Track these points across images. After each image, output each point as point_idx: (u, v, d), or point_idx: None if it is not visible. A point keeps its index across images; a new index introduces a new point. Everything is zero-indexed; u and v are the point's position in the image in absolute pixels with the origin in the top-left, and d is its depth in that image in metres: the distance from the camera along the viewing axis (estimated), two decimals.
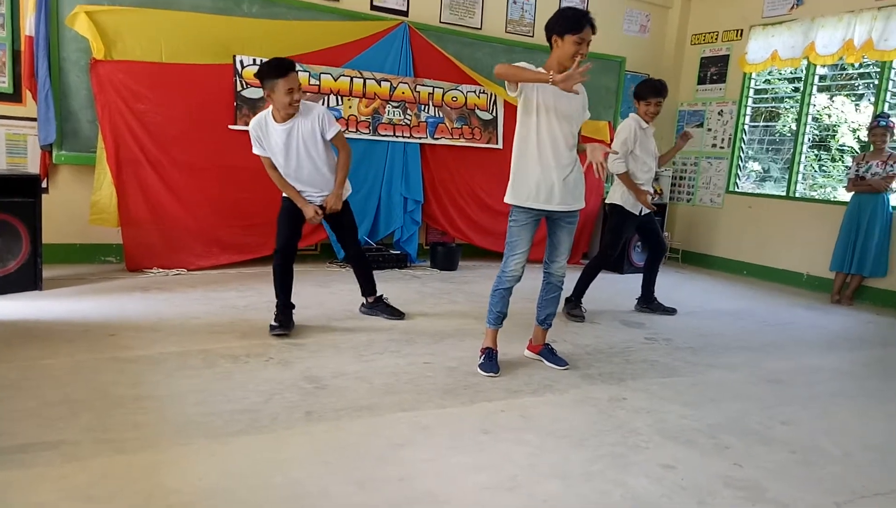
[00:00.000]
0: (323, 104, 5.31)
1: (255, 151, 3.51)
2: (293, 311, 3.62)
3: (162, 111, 4.74)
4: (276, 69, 3.30)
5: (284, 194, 3.59)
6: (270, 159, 3.51)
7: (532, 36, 6.53)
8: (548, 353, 3.32)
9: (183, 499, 1.85)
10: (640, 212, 4.43)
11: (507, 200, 3.11)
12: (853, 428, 2.76)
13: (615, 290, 5.35)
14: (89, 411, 2.38)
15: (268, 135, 3.46)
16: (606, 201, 4.55)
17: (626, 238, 4.56)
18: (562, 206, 3.08)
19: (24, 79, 4.55)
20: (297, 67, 5.04)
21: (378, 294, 3.97)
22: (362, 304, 4.02)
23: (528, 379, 3.07)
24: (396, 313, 3.93)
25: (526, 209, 3.06)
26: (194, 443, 2.19)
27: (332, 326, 3.76)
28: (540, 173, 3.02)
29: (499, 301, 3.17)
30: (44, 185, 4.64)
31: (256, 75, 3.41)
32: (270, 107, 3.46)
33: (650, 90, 4.25)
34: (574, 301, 4.36)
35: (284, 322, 3.50)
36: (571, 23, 2.92)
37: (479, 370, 3.10)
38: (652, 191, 4.47)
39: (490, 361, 3.12)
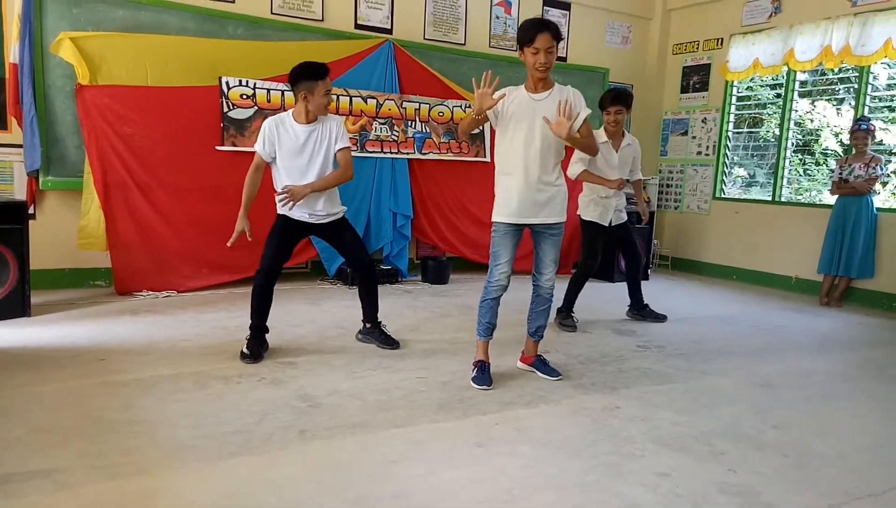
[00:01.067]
0: None
1: (258, 147, 3.42)
2: (267, 335, 3.51)
3: (148, 134, 4.74)
4: (315, 72, 3.35)
5: (280, 212, 3.50)
6: (262, 160, 3.42)
7: (515, 50, 6.56)
8: (540, 364, 3.33)
9: None
10: (610, 223, 4.43)
11: (493, 216, 3.16)
12: (846, 430, 2.78)
13: (606, 298, 5.37)
14: (81, 437, 2.36)
15: (282, 134, 3.39)
16: (578, 214, 4.48)
17: (600, 249, 4.49)
18: (541, 219, 3.12)
19: (8, 106, 4.54)
20: (284, 87, 5.05)
21: (378, 321, 3.79)
22: (359, 331, 3.82)
23: (522, 391, 3.07)
24: (391, 342, 3.70)
25: (507, 223, 3.12)
26: (187, 466, 2.18)
27: (325, 343, 3.75)
28: (518, 188, 3.07)
29: (487, 312, 3.19)
30: (31, 211, 4.62)
31: (292, 77, 3.38)
32: (292, 110, 3.45)
33: (607, 99, 4.31)
34: (565, 312, 4.37)
35: (255, 350, 3.38)
36: (526, 34, 3.00)
37: (472, 383, 3.10)
38: (615, 196, 4.39)
39: (483, 374, 3.13)
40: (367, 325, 3.77)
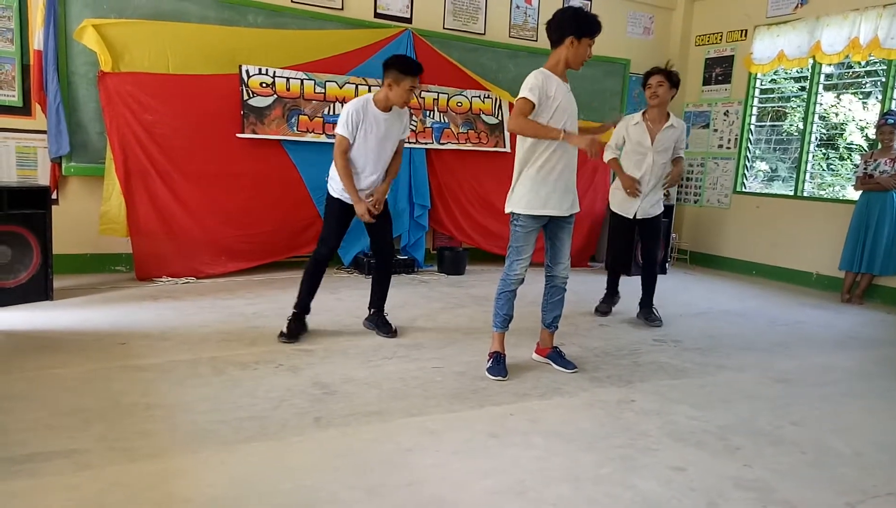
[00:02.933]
0: (328, 112, 5.35)
1: (341, 130, 3.43)
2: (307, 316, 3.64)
3: (169, 122, 4.79)
4: (409, 67, 3.42)
5: (333, 195, 3.57)
6: (348, 142, 3.44)
7: (536, 40, 6.54)
8: (556, 356, 3.32)
9: (193, 507, 1.86)
10: (634, 216, 4.30)
11: (516, 209, 3.10)
12: (864, 428, 2.74)
13: (623, 291, 5.33)
14: (101, 420, 2.40)
15: (366, 119, 3.46)
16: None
17: (620, 240, 4.47)
18: (566, 211, 3.14)
19: (33, 92, 4.60)
20: (303, 76, 5.09)
21: (383, 309, 3.83)
22: (366, 318, 3.85)
23: (536, 382, 3.07)
24: (389, 330, 3.73)
25: (536, 216, 3.09)
26: (204, 451, 2.21)
27: (341, 332, 3.77)
28: (559, 180, 3.06)
29: (504, 304, 3.19)
30: (54, 196, 4.69)
31: (388, 62, 3.45)
32: (371, 94, 3.52)
33: (649, 73, 4.23)
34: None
35: (294, 331, 3.53)
36: (591, 27, 2.97)
37: (487, 373, 3.10)
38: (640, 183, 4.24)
39: (498, 365, 3.13)
40: (372, 311, 3.83)
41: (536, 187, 3.06)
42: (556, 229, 3.19)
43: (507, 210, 3.16)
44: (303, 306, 3.60)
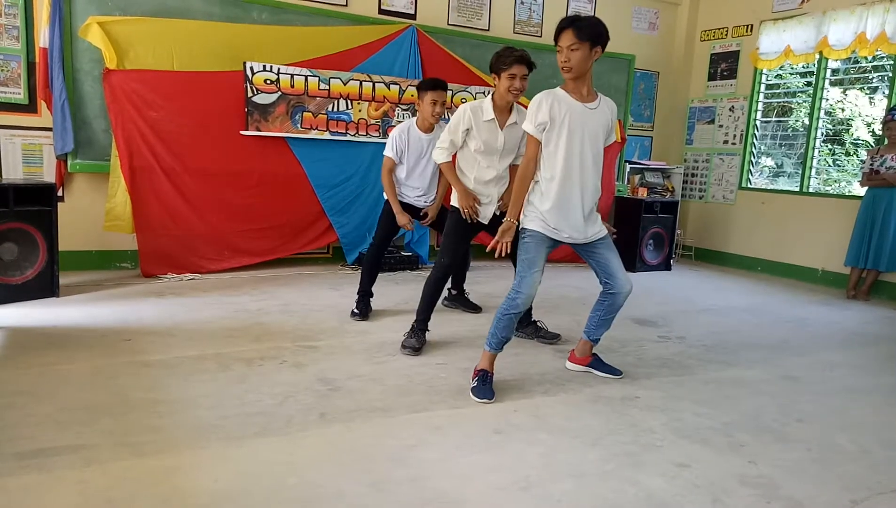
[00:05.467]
0: (332, 108, 5.35)
1: (388, 152, 3.89)
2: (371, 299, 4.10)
3: (174, 118, 4.80)
4: (427, 83, 3.82)
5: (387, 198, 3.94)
6: (394, 162, 3.89)
7: (540, 36, 6.53)
8: (598, 363, 3.18)
9: (199, 502, 1.87)
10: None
11: (532, 226, 2.81)
12: (869, 425, 2.74)
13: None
14: (107, 415, 2.42)
15: (409, 142, 3.88)
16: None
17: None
18: (590, 237, 2.88)
19: (38, 90, 4.62)
20: (307, 73, 5.17)
21: (464, 289, 4.40)
22: (444, 298, 4.26)
23: (541, 379, 3.07)
24: (474, 307, 4.33)
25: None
26: (210, 446, 2.22)
27: (345, 328, 3.78)
28: (576, 201, 2.78)
29: (506, 326, 2.81)
30: (59, 193, 4.70)
31: (417, 87, 3.91)
32: (415, 118, 3.94)
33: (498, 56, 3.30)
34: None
35: (364, 310, 4.00)
36: (605, 34, 2.69)
37: (471, 394, 2.78)
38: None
39: (484, 385, 2.79)
40: (454, 292, 4.37)
41: (556, 205, 2.77)
42: (590, 249, 2.92)
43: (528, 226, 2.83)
44: (366, 291, 4.07)
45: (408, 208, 3.97)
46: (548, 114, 2.72)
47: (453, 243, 3.48)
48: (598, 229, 2.91)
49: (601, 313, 3.05)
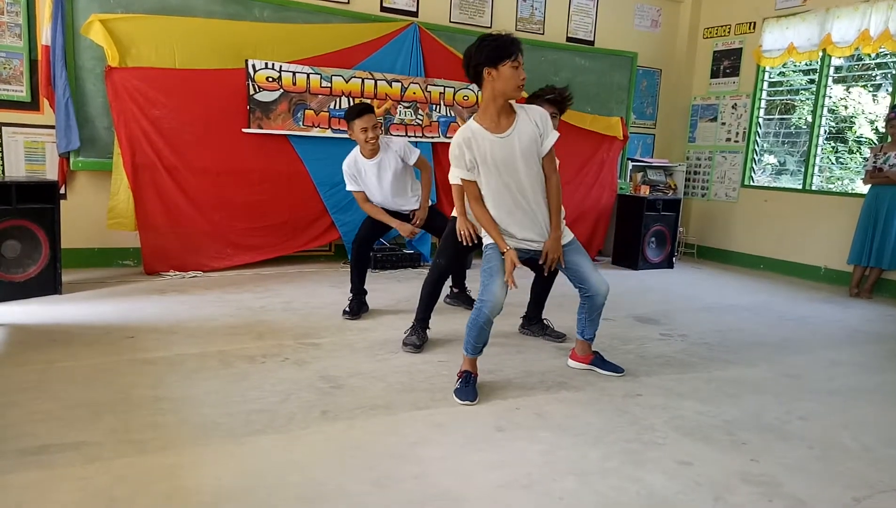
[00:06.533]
0: (334, 106, 5.35)
1: (350, 187, 3.92)
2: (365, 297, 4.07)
3: (176, 116, 4.80)
4: (351, 111, 3.76)
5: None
6: (364, 194, 3.94)
7: (542, 34, 6.51)
8: (600, 361, 3.19)
9: (202, 499, 1.88)
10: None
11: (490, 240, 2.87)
12: (872, 423, 2.73)
13: (628, 286, 5.33)
14: (110, 412, 2.42)
15: (360, 171, 3.88)
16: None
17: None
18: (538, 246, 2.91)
19: (41, 87, 4.62)
20: (309, 70, 5.17)
21: (465, 287, 4.34)
22: (447, 295, 4.29)
23: (543, 376, 3.07)
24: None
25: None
26: (213, 443, 2.22)
27: (347, 325, 3.78)
28: (519, 216, 2.84)
29: (478, 335, 2.77)
30: (62, 191, 4.71)
31: (344, 118, 3.95)
32: (357, 147, 3.88)
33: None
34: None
35: (356, 308, 3.95)
36: (508, 48, 2.63)
37: (454, 396, 2.73)
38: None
39: (467, 386, 2.74)
40: (455, 290, 4.34)
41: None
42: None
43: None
44: (357, 290, 4.03)
45: (396, 214, 4.02)
46: (471, 152, 2.74)
47: (451, 246, 3.45)
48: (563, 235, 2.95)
49: (585, 314, 3.09)
